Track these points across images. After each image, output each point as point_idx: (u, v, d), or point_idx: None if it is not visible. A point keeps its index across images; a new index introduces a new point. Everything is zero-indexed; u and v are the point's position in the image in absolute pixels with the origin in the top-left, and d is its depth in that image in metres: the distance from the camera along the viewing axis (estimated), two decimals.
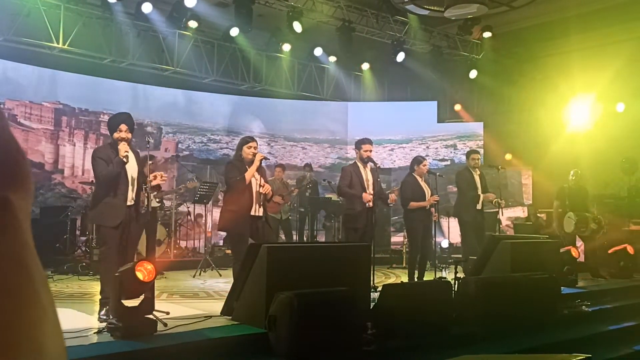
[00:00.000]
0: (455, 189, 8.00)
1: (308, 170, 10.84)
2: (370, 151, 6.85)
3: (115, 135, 5.01)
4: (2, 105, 9.29)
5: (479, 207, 7.69)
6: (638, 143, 10.83)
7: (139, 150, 5.46)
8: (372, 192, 6.73)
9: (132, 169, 5.08)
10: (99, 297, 4.98)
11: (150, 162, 5.81)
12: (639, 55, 11.15)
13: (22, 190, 0.44)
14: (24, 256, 0.40)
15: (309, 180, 10.58)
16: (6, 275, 0.38)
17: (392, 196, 7.23)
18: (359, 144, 6.93)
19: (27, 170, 0.45)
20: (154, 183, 5.46)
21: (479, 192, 7.70)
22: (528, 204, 11.73)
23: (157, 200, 7.40)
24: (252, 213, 5.65)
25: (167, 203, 9.71)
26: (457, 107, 13.61)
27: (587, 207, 8.65)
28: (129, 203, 5.02)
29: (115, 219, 4.88)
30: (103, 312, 4.71)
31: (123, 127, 5.02)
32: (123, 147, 4.93)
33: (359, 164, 6.88)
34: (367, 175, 6.83)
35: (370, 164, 6.88)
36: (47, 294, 0.41)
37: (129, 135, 5.07)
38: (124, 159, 4.93)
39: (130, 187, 5.03)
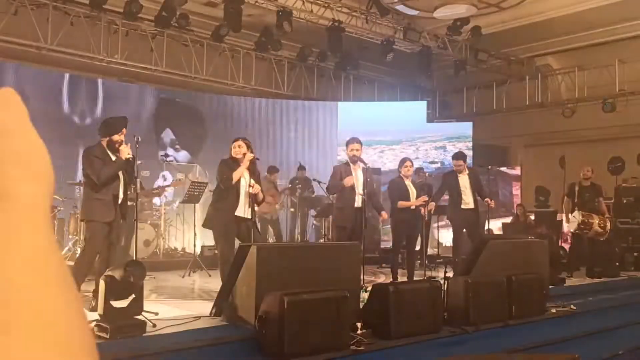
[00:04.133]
0: (446, 197, 8.09)
1: (300, 170, 10.82)
2: (357, 150, 6.86)
3: (117, 137, 5.24)
4: None
5: (471, 206, 7.70)
6: (626, 143, 10.93)
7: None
8: (361, 192, 6.72)
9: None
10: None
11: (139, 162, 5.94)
12: (624, 57, 11.26)
13: (41, 180, 0.41)
14: (37, 251, 0.38)
15: (300, 179, 10.56)
16: (25, 272, 0.37)
17: (384, 214, 7.18)
18: (346, 144, 7.02)
19: (47, 159, 0.42)
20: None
21: (463, 192, 7.75)
22: (517, 204, 11.80)
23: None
24: (239, 214, 5.64)
25: (157, 202, 9.67)
26: (447, 107, 13.68)
27: (598, 205, 8.59)
28: (119, 201, 5.30)
29: (108, 216, 5.14)
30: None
31: (124, 130, 5.30)
32: (126, 149, 5.22)
33: (350, 164, 6.90)
34: (357, 174, 6.83)
35: (360, 164, 6.88)
36: (67, 287, 0.39)
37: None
38: (127, 160, 5.22)
39: (121, 187, 5.30)
